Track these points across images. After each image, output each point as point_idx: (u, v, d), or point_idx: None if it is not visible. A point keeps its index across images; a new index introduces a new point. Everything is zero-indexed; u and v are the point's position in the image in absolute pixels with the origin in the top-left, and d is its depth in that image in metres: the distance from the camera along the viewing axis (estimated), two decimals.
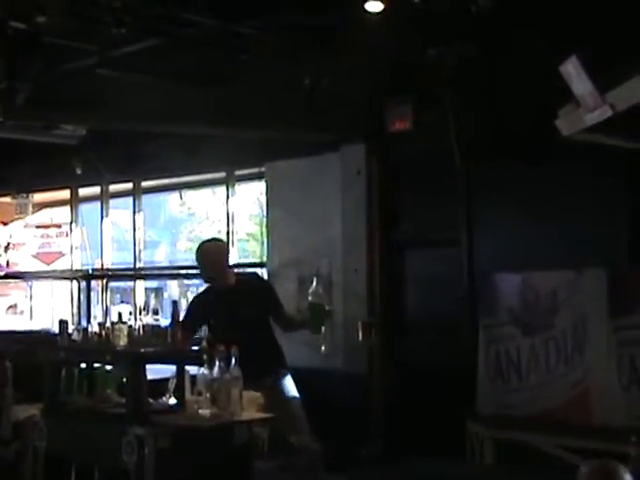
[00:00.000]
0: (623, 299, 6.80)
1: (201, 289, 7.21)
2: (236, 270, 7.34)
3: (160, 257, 20.15)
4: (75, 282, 11.97)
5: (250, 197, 14.11)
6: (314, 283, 6.60)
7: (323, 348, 6.50)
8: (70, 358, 5.90)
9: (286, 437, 6.39)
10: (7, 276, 13.20)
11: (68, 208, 12.24)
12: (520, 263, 7.45)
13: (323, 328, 6.49)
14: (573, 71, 4.25)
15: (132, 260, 11.32)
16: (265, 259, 9.59)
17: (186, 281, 17.02)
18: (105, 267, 11.71)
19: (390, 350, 8.37)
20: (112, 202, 11.76)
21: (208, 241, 7.19)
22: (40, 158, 11.08)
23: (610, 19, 6.51)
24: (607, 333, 6.82)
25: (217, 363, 5.34)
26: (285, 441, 6.41)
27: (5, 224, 13.36)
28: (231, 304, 6.53)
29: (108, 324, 5.73)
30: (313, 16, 6.76)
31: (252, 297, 6.58)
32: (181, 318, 5.93)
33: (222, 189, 10.52)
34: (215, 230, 19.67)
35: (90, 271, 11.78)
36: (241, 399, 5.43)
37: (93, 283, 11.68)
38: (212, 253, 6.79)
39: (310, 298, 6.49)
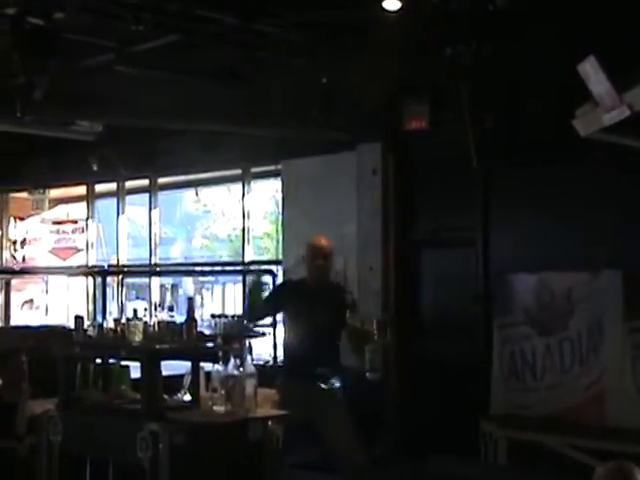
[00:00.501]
0: (639, 301, 6.78)
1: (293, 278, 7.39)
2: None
3: (175, 254, 20.16)
4: (91, 278, 12.00)
5: (266, 195, 14.09)
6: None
7: (368, 375, 6.52)
8: (85, 354, 5.90)
9: (330, 444, 6.42)
10: (23, 271, 13.24)
11: (84, 204, 12.27)
12: (536, 263, 7.44)
13: (369, 355, 6.50)
14: (591, 71, 4.22)
15: (148, 256, 11.36)
16: (280, 257, 9.60)
17: (201, 278, 17.02)
18: (121, 263, 11.75)
19: (405, 349, 8.36)
20: (128, 198, 11.79)
21: (322, 237, 7.16)
22: (57, 154, 11.13)
23: (628, 18, 6.49)
24: (622, 335, 6.81)
25: (232, 360, 5.34)
26: (329, 449, 6.45)
27: (22, 219, 13.40)
28: (312, 303, 6.57)
29: (123, 320, 5.74)
30: (331, 14, 6.75)
31: (332, 304, 6.61)
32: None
33: (238, 186, 10.53)
34: (230, 228, 19.68)
35: (106, 267, 11.82)
36: (256, 396, 5.44)
37: (109, 279, 11.67)
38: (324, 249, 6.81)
39: (349, 321, 6.56)
